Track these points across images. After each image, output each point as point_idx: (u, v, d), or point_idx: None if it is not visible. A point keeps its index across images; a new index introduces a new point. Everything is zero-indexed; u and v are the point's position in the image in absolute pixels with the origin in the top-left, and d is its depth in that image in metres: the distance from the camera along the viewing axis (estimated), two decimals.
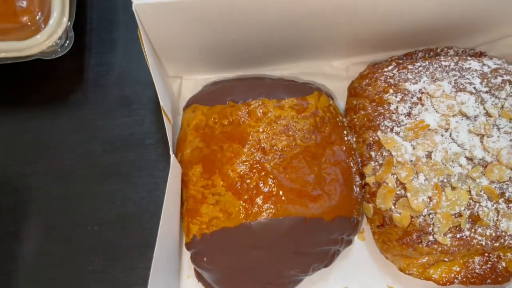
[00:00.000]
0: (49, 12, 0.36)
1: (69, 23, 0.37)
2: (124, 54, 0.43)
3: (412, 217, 0.32)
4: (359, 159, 0.36)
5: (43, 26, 0.36)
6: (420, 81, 0.35)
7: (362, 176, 0.35)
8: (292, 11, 0.33)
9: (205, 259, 0.32)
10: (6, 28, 0.37)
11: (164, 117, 0.30)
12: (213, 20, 0.32)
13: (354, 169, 0.35)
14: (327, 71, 0.42)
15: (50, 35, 0.36)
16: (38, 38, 0.36)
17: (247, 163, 0.32)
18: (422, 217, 0.32)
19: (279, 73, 0.42)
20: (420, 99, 0.34)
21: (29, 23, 0.36)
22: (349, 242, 0.36)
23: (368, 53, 0.41)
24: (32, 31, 0.36)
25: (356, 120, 0.37)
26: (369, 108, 0.36)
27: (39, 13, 0.36)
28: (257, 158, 0.32)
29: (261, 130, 0.33)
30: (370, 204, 0.34)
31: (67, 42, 0.37)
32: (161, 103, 0.30)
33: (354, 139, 0.36)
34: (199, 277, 0.35)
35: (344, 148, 0.35)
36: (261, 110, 0.33)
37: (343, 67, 0.42)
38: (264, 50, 0.39)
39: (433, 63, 0.36)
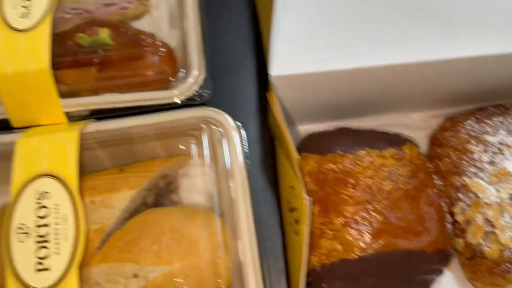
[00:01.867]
0: (187, 66, 0.44)
1: (206, 75, 0.43)
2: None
3: (500, 250, 0.38)
4: (448, 200, 0.42)
5: (183, 78, 0.44)
6: (498, 133, 0.42)
7: (452, 214, 0.41)
8: (385, 81, 0.41)
9: (323, 285, 0.38)
10: (146, 81, 0.44)
11: (297, 169, 0.36)
12: (328, 87, 0.40)
13: (445, 209, 0.41)
14: (406, 122, 0.49)
15: (190, 87, 0.43)
16: (178, 89, 0.43)
17: (359, 204, 0.38)
18: (509, 250, 0.38)
19: (367, 123, 0.48)
20: (500, 149, 0.41)
21: (169, 78, 0.44)
22: (441, 271, 0.41)
23: (443, 107, 0.48)
24: (172, 83, 0.44)
25: (442, 166, 0.43)
26: (454, 156, 0.42)
27: (179, 69, 0.44)
28: (368, 200, 0.39)
29: (369, 176, 0.39)
30: (460, 239, 0.40)
31: (206, 91, 0.43)
32: (295, 155, 0.37)
33: (442, 183, 0.43)
34: None
35: (435, 190, 0.41)
36: (367, 159, 0.40)
37: (419, 118, 0.49)
38: (357, 106, 0.46)
39: (507, 118, 0.43)
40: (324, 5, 0.36)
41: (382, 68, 0.39)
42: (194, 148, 0.45)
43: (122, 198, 0.39)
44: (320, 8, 0.36)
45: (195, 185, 0.46)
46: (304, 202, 0.34)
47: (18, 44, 0.41)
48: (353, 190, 0.39)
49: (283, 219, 0.44)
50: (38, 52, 0.41)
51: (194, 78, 0.44)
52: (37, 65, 0.41)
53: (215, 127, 0.43)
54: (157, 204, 0.43)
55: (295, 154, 0.37)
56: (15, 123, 0.43)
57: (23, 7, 0.43)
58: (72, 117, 0.44)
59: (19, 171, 0.36)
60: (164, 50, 0.44)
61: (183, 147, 0.45)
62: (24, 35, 0.42)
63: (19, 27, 0.42)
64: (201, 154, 0.45)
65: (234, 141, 0.42)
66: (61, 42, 0.44)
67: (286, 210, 0.42)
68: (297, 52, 0.37)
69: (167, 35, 0.52)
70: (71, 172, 0.37)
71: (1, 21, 0.42)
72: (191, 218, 0.38)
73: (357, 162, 0.40)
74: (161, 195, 0.44)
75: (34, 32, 0.42)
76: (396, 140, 0.42)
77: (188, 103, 0.45)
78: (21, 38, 0.41)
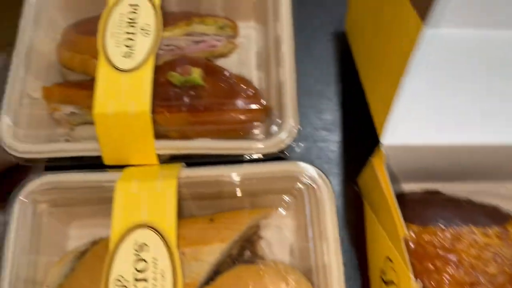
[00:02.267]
0: (282, 116, 0.43)
1: (300, 128, 0.42)
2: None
3: None
4: None
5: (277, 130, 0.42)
6: None
7: None
8: (488, 155, 0.41)
9: None
10: (237, 129, 0.44)
11: (403, 246, 0.35)
12: (433, 158, 0.39)
13: None
14: (501, 191, 0.47)
15: (284, 139, 0.41)
16: (272, 140, 0.42)
17: (462, 285, 0.36)
18: None
19: (458, 188, 0.46)
20: None
21: (262, 127, 0.44)
22: None
23: None
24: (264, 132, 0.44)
25: None
26: None
27: (274, 120, 0.43)
28: (471, 282, 0.36)
29: (472, 255, 0.37)
30: None
31: (300, 143, 0.43)
32: (403, 231, 0.35)
33: None
34: None
35: None
36: (470, 237, 0.38)
37: None
38: (451, 173, 0.44)
39: None
40: (441, 83, 0.35)
41: (488, 147, 0.38)
42: (280, 201, 0.44)
43: (212, 251, 0.38)
44: (437, 85, 0.35)
45: (279, 239, 0.45)
46: (412, 284, 0.33)
47: (120, 84, 0.41)
48: (455, 269, 0.37)
49: (370, 285, 0.43)
50: (140, 94, 0.41)
51: (288, 130, 0.43)
52: (138, 107, 0.40)
53: (306, 182, 0.42)
54: (240, 255, 0.42)
55: (403, 230, 0.35)
56: (106, 161, 0.43)
57: (127, 46, 0.43)
58: (160, 159, 0.44)
59: (119, 218, 0.36)
60: (264, 103, 0.43)
61: (270, 199, 0.44)
62: (128, 75, 0.42)
63: (122, 67, 0.42)
64: (288, 207, 0.44)
65: (325, 199, 0.41)
66: (154, 79, 0.43)
67: (378, 279, 0.40)
68: (410, 124, 0.36)
69: (253, 76, 0.52)
70: (170, 224, 0.36)
71: (105, 60, 0.42)
72: (284, 281, 0.37)
73: (460, 238, 0.38)
74: (245, 246, 0.43)
75: (137, 73, 0.42)
76: (498, 216, 0.40)
77: (278, 154, 0.44)
78: (124, 78, 0.41)
